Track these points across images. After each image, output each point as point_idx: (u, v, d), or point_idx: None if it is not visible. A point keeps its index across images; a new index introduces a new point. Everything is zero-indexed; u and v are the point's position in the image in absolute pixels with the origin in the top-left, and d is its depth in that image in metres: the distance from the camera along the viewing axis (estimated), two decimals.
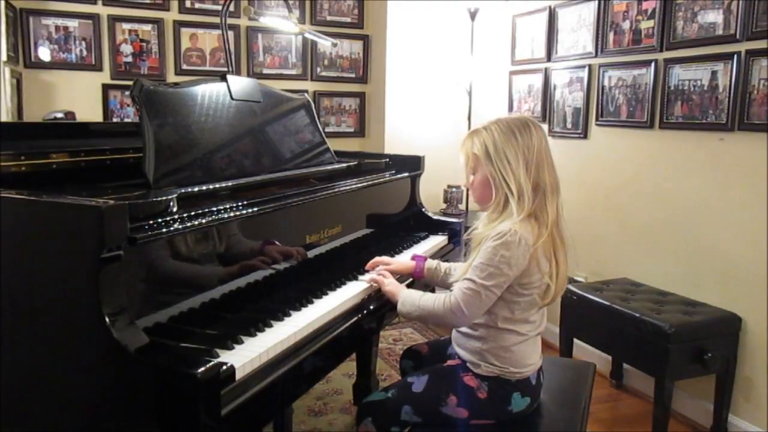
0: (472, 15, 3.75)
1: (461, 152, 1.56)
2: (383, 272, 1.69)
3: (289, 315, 1.39)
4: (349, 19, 4.01)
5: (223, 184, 1.54)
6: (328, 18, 3.95)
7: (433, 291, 1.68)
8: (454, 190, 3.79)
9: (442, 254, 2.19)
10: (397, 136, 3.89)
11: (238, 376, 1.09)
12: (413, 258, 1.82)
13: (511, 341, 1.49)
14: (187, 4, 3.55)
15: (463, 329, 1.56)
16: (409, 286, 1.78)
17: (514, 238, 1.40)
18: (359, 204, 2.01)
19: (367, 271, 1.77)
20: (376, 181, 2.09)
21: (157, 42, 3.50)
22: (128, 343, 1.02)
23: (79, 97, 3.35)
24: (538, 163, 1.45)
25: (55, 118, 2.96)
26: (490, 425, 1.52)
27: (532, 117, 1.57)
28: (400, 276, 1.78)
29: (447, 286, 1.82)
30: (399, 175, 2.28)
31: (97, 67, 3.39)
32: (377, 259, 1.79)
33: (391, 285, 1.63)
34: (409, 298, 1.55)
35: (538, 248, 1.43)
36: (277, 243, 1.55)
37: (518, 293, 1.47)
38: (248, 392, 1.10)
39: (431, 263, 1.80)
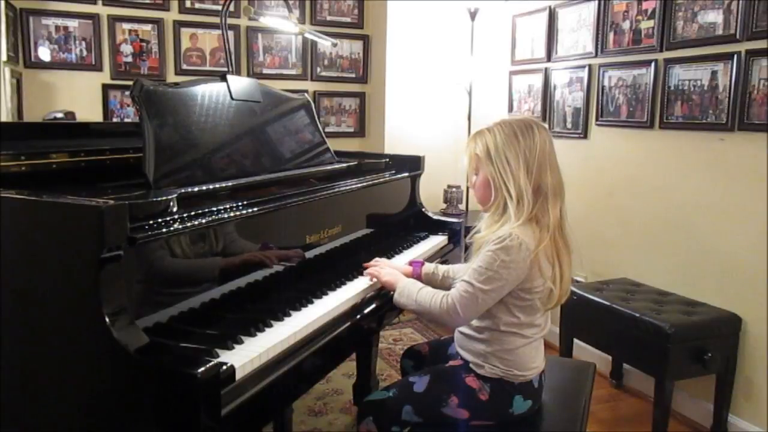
0: (472, 15, 3.75)
1: (465, 153, 1.56)
2: (380, 264, 1.68)
3: (289, 315, 1.38)
4: (349, 19, 4.02)
5: (223, 184, 1.54)
6: (328, 18, 3.95)
7: None
8: (454, 190, 3.79)
9: (442, 254, 2.19)
10: (397, 136, 3.89)
11: (238, 376, 1.09)
12: (410, 263, 1.81)
13: (515, 344, 1.49)
14: (187, 4, 3.55)
15: (467, 331, 1.56)
16: None
17: (514, 243, 1.39)
18: (359, 204, 2.01)
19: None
20: (376, 181, 2.09)
21: (157, 42, 3.50)
22: (128, 343, 1.02)
23: (79, 97, 3.35)
24: (539, 166, 1.44)
25: (55, 118, 2.96)
26: (491, 426, 1.52)
27: (537, 119, 1.56)
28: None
29: (446, 289, 1.83)
30: (399, 175, 2.27)
31: (97, 67, 3.39)
32: (376, 261, 1.79)
33: (389, 275, 1.62)
34: (406, 288, 1.55)
35: (540, 252, 1.41)
36: (277, 243, 1.55)
37: (521, 298, 1.46)
38: (248, 392, 1.10)
39: (428, 268, 1.80)
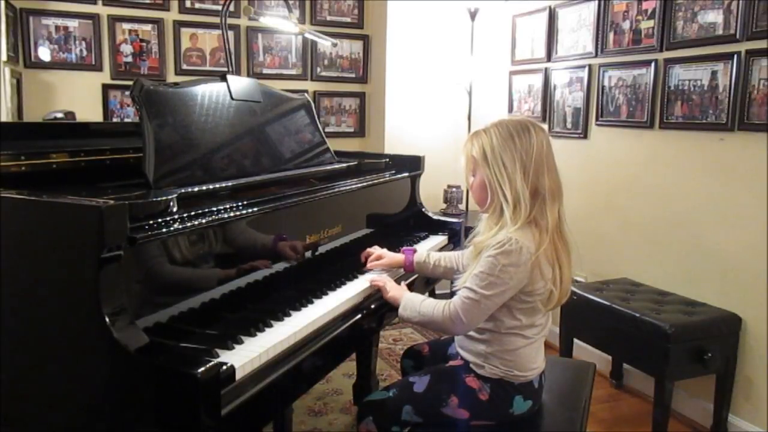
0: (472, 15, 3.75)
1: (462, 153, 1.55)
2: (385, 278, 1.68)
3: (289, 315, 1.38)
4: (349, 19, 4.02)
5: (223, 184, 1.54)
6: (328, 18, 3.95)
7: (433, 292, 1.68)
8: (454, 190, 3.79)
9: None
10: (397, 136, 3.89)
11: (238, 376, 1.09)
12: (402, 251, 1.85)
13: (516, 344, 1.49)
14: (187, 4, 3.55)
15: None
16: (409, 286, 1.78)
17: (514, 247, 1.38)
18: (359, 204, 2.01)
19: (366, 267, 1.80)
20: (376, 181, 2.09)
21: (157, 42, 3.50)
22: (128, 343, 1.02)
23: (79, 97, 3.35)
24: (537, 168, 1.43)
25: (55, 118, 2.96)
26: (491, 426, 1.52)
27: (535, 119, 1.55)
28: (396, 271, 1.83)
29: (438, 277, 1.88)
30: (399, 175, 2.27)
31: (97, 67, 3.39)
32: (370, 250, 1.83)
33: (393, 290, 1.62)
34: (410, 302, 1.55)
35: (540, 255, 1.41)
36: (277, 243, 1.55)
37: (522, 300, 1.46)
38: (248, 392, 1.10)
39: (420, 256, 1.83)
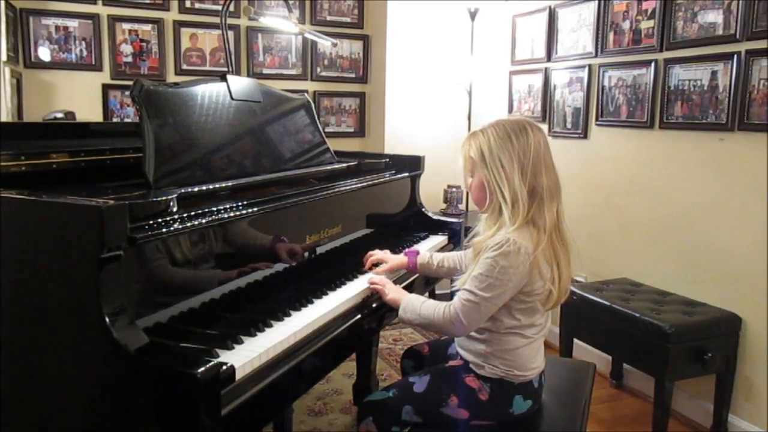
0: (472, 15, 3.75)
1: (460, 154, 1.55)
2: (384, 280, 1.68)
3: (289, 315, 1.39)
4: (349, 19, 4.02)
5: (223, 184, 1.54)
6: (328, 18, 3.95)
7: (433, 292, 1.68)
8: (454, 190, 3.79)
9: None
10: (397, 136, 3.89)
11: (238, 376, 1.09)
12: (405, 254, 1.85)
13: (515, 344, 1.49)
14: (187, 4, 3.55)
15: None
16: (408, 286, 1.79)
17: (512, 248, 1.38)
18: (359, 204, 2.01)
19: (366, 268, 1.80)
20: (376, 181, 2.09)
21: (157, 42, 3.50)
22: (128, 343, 1.02)
23: (79, 97, 3.35)
24: (534, 167, 1.43)
25: (55, 118, 2.96)
26: (491, 426, 1.52)
27: (532, 119, 1.55)
28: (398, 270, 1.83)
29: (441, 277, 1.88)
30: (399, 175, 2.28)
31: (97, 67, 3.39)
32: (372, 253, 1.82)
33: (392, 293, 1.61)
34: (410, 304, 1.55)
35: (539, 255, 1.41)
36: (277, 243, 1.55)
37: (521, 300, 1.46)
38: (248, 392, 1.10)
39: (423, 257, 1.83)
